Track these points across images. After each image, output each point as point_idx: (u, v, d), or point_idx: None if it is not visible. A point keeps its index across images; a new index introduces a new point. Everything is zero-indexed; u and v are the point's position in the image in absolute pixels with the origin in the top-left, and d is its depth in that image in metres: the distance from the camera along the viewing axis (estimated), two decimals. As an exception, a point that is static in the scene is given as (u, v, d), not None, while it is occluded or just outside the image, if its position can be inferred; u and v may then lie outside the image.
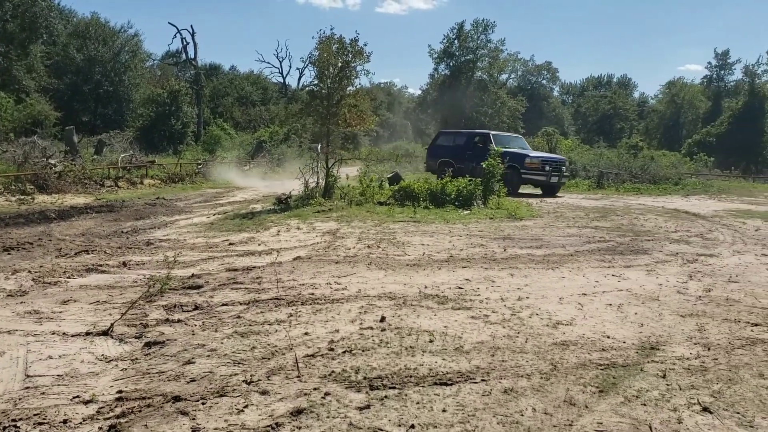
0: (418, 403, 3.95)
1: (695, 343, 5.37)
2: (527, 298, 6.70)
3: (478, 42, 60.08)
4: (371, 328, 5.42)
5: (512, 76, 67.97)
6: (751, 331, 5.83)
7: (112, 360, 4.85)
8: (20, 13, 38.78)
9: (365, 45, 17.13)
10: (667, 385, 4.41)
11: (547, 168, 21.26)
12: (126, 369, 4.63)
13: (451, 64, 60.79)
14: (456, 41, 60.22)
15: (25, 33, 39.68)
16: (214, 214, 15.22)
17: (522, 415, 3.85)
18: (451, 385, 4.26)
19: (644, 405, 4.06)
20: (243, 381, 4.21)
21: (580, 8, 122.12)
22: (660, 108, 66.53)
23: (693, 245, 10.81)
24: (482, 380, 4.36)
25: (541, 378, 4.44)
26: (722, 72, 59.74)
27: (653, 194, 23.94)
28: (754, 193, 27.15)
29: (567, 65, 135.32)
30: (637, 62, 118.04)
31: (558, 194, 21.94)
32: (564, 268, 8.37)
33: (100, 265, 8.84)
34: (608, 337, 5.44)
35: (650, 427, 3.74)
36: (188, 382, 4.24)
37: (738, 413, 4.00)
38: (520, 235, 11.38)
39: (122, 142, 31.77)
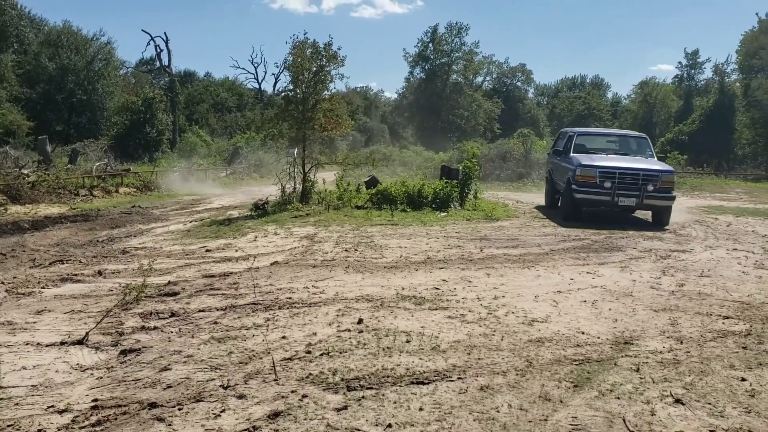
0: (395, 402, 3.98)
1: (668, 337, 5.46)
2: (503, 296, 6.77)
3: (453, 45, 60.47)
4: (349, 330, 5.44)
5: (487, 78, 68.49)
6: (723, 323, 5.95)
7: (88, 369, 4.82)
8: (-10, 23, 38.33)
9: (339, 49, 17.13)
10: (641, 378, 4.49)
11: (608, 184, 13.42)
12: (101, 377, 4.60)
13: (427, 67, 61.05)
14: (430, 44, 60.50)
15: (-6, 43, 39.24)
16: (190, 222, 15.12)
17: (498, 411, 3.90)
18: (428, 384, 4.29)
19: (618, 398, 4.12)
20: (220, 386, 4.21)
21: (552, 10, 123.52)
22: (633, 108, 67.35)
23: (666, 241, 10.98)
24: (459, 378, 4.40)
25: (517, 375, 4.49)
26: (693, 71, 60.61)
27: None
28: (726, 190, 27.65)
29: (541, 67, 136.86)
30: (609, 63, 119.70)
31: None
32: (540, 266, 8.46)
33: (75, 275, 8.75)
34: (583, 333, 5.52)
35: (624, 420, 3.81)
36: (165, 389, 4.22)
37: (709, 404, 4.08)
38: (497, 235, 11.47)
39: (97, 151, 31.44)
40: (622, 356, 4.95)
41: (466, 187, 16.22)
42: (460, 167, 16.73)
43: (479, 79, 66.37)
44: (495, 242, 10.60)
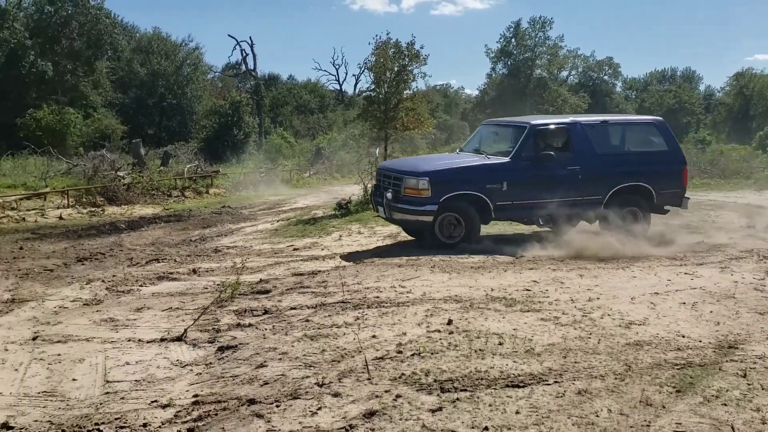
0: (490, 405, 3.91)
1: (778, 342, 5.14)
2: (598, 298, 6.55)
3: (536, 40, 59.27)
4: (438, 331, 5.39)
5: (572, 72, 66.73)
6: (839, 328, 5.54)
7: (187, 365, 4.99)
8: (86, 31, 40.47)
9: (422, 48, 17.13)
10: (749, 384, 4.25)
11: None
12: (201, 373, 4.76)
13: (509, 63, 60.17)
14: (513, 40, 59.56)
15: (91, 50, 41.41)
16: (277, 221, 15.47)
17: (597, 416, 3.77)
18: (523, 387, 4.20)
19: (725, 405, 3.91)
20: (315, 383, 4.26)
21: (640, 1, 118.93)
22: (728, 100, 64.10)
23: (770, 241, 10.35)
24: (555, 382, 4.28)
25: (616, 379, 4.33)
26: (794, 60, 57.17)
27: (724, 189, 23.03)
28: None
29: (629, 60, 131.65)
30: (701, 54, 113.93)
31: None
32: (635, 267, 8.14)
33: (171, 273, 9.11)
34: (683, 337, 5.27)
35: (732, 428, 3.61)
36: (262, 385, 4.32)
37: (828, 415, 3.81)
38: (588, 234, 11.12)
39: (187, 153, 32.64)
40: (727, 361, 4.70)
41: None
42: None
43: (564, 73, 64.82)
44: (585, 241, 10.29)
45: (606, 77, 68.03)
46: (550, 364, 4.62)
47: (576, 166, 10.19)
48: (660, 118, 11.68)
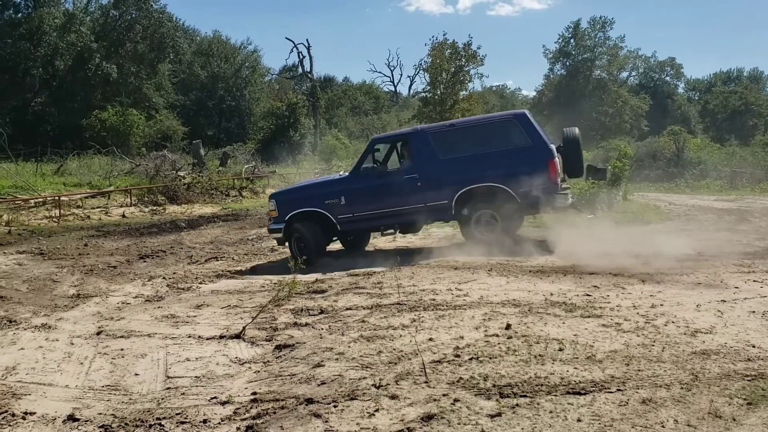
0: (551, 412, 3.81)
1: None
2: (661, 305, 6.33)
3: (596, 40, 58.12)
4: (497, 336, 5.30)
5: (633, 73, 65.15)
6: None
7: (246, 362, 5.05)
8: (149, 35, 41.70)
9: (479, 48, 17.06)
10: (826, 399, 4.02)
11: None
12: (259, 371, 4.80)
13: (568, 63, 59.18)
14: (572, 40, 58.57)
15: (154, 53, 42.68)
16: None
17: (663, 426, 3.63)
18: (584, 394, 4.08)
19: (800, 420, 3.71)
20: (372, 385, 4.25)
21: (704, 0, 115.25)
22: (800, 102, 61.51)
23: None
24: (618, 390, 4.15)
25: (682, 388, 4.16)
26: None
27: (795, 194, 22.15)
28: None
29: (692, 60, 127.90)
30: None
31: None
32: (699, 273, 7.85)
33: (229, 271, 9.28)
34: (753, 347, 5.03)
35: (810, 445, 3.42)
36: (319, 385, 4.33)
37: None
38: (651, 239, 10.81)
39: (245, 154, 33.27)
40: (804, 374, 4.46)
41: (615, 188, 15.48)
42: (609, 167, 15.99)
43: (624, 74, 63.37)
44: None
45: (668, 78, 66.17)
46: (612, 371, 4.48)
47: (414, 174, 10.00)
48: (521, 112, 11.11)
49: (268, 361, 5.01)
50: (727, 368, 4.53)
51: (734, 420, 3.71)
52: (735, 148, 35.77)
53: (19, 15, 39.71)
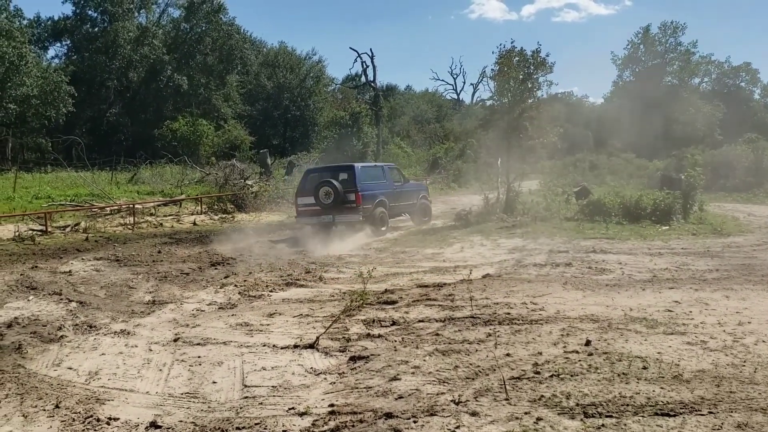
0: (640, 435, 3.63)
1: None
2: (749, 323, 6.00)
3: (667, 45, 56.41)
4: (576, 352, 5.12)
5: (705, 79, 62.86)
6: None
7: (321, 373, 5.02)
8: (218, 47, 42.77)
9: (547, 55, 16.67)
10: None
11: None
12: (335, 383, 4.76)
13: (637, 70, 57.64)
14: (642, 46, 57.04)
15: (222, 65, 43.72)
16: (397, 231, 15.51)
17: (765, 456, 3.39)
18: (674, 416, 3.88)
19: None
20: (451, 401, 4.14)
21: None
22: None
23: None
24: (709, 413, 3.92)
25: (781, 414, 3.90)
26: None
27: None
28: None
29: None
30: None
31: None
32: (791, 290, 7.43)
33: (298, 280, 9.32)
34: None
35: None
36: (396, 399, 4.25)
37: None
38: (731, 253, 10.33)
39: (309, 163, 33.61)
40: None
41: (690, 198, 14.89)
42: (683, 176, 15.41)
43: (696, 80, 61.21)
44: (730, 260, 9.55)
45: (743, 84, 63.53)
46: (701, 392, 4.24)
47: None
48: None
49: (343, 373, 4.96)
50: (828, 392, 4.23)
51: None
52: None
53: (96, 29, 41.39)
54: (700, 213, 15.06)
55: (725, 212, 17.57)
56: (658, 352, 5.11)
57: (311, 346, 5.67)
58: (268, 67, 51.10)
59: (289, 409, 4.30)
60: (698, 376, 4.56)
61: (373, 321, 6.42)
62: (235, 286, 9.01)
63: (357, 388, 4.55)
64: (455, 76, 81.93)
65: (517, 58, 16.86)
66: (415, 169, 39.10)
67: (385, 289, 8.05)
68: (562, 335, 5.63)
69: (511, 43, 17.39)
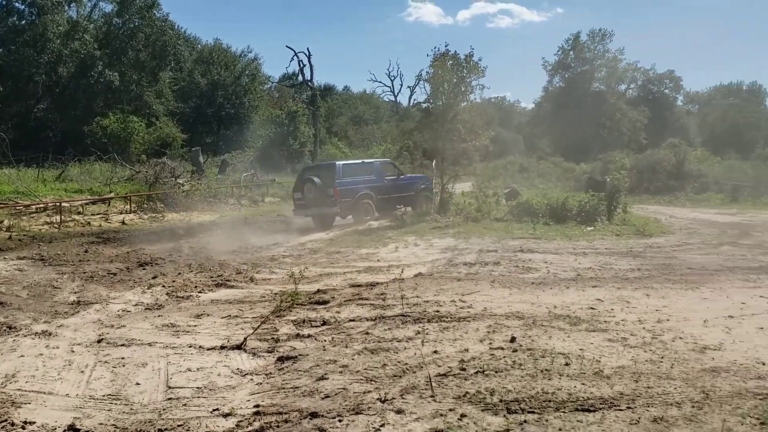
0: (560, 429, 3.74)
1: None
2: (668, 320, 6.26)
3: (595, 52, 58.16)
4: (502, 349, 5.23)
5: (631, 86, 65.11)
6: None
7: (247, 374, 4.97)
8: (151, 43, 41.68)
9: (480, 60, 16.98)
10: (841, 419, 3.94)
11: None
12: (261, 383, 4.72)
13: (567, 75, 59.21)
14: (572, 52, 58.63)
15: (155, 61, 42.62)
16: (332, 231, 15.50)
17: (677, 448, 3.56)
18: (594, 411, 4.01)
19: (815, 442, 3.64)
20: (377, 399, 4.17)
21: (703, 12, 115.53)
22: (796, 115, 61.53)
23: None
24: (628, 407, 4.07)
25: (693, 407, 4.09)
26: None
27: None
28: None
29: (692, 73, 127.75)
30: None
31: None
32: (705, 288, 7.79)
33: (228, 280, 9.19)
34: (763, 364, 4.96)
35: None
36: (323, 398, 4.25)
37: None
38: (652, 253, 10.76)
39: (243, 162, 33.22)
40: (814, 392, 4.38)
41: (615, 200, 15.43)
42: (608, 179, 15.97)
43: (623, 86, 63.35)
44: (651, 260, 9.95)
45: (667, 91, 66.15)
46: (621, 388, 4.40)
47: None
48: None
49: (271, 373, 4.92)
50: (738, 386, 4.47)
51: (748, 440, 3.64)
52: (735, 161, 35.78)
53: (23, 22, 39.54)
54: (623, 214, 15.62)
55: (648, 214, 18.29)
56: (581, 349, 5.28)
57: (239, 347, 5.61)
58: (203, 64, 50.11)
59: (214, 410, 4.24)
60: (618, 372, 4.73)
61: (304, 321, 6.39)
62: (163, 286, 8.82)
63: (283, 388, 4.52)
64: (393, 78, 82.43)
65: (450, 62, 17.11)
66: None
67: (318, 289, 8.03)
68: (488, 332, 5.74)
69: (445, 46, 17.67)
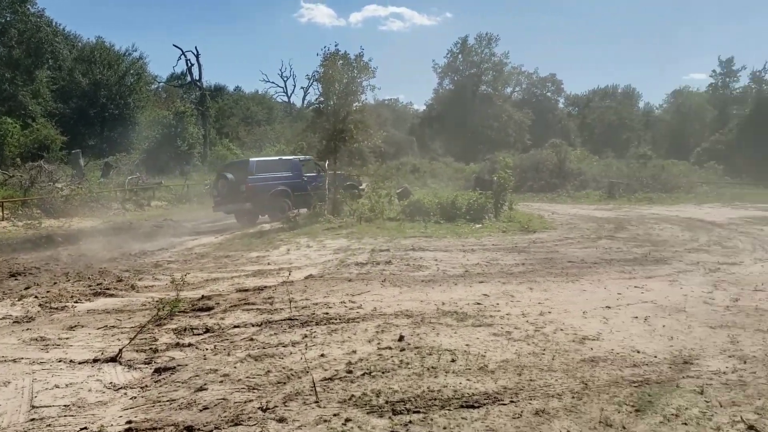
0: (444, 428, 3.72)
1: (730, 356, 5.10)
2: (549, 312, 6.45)
3: (482, 56, 60.02)
4: (390, 348, 5.18)
5: (517, 89, 67.71)
6: (787, 341, 5.56)
7: (121, 388, 4.64)
8: (26, 39, 39.02)
9: (370, 60, 17.03)
10: (707, 402, 4.15)
11: None
12: (135, 397, 4.41)
13: (456, 78, 60.71)
14: (460, 56, 60.17)
15: (30, 59, 39.92)
16: (222, 234, 15.04)
17: (557, 438, 3.61)
18: (478, 407, 4.02)
19: (685, 424, 3.81)
20: (258, 408, 3.99)
21: (583, 19, 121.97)
22: (666, 117, 66.10)
23: (713, 254, 10.54)
24: (511, 401, 4.12)
25: (573, 398, 4.19)
26: (727, 80, 59.21)
27: (666, 203, 23.63)
28: None
29: (572, 77, 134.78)
30: (641, 72, 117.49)
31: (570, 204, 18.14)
32: (584, 280, 8.12)
33: (108, 289, 8.67)
34: (638, 352, 5.19)
35: (695, 449, 3.50)
36: (201, 410, 4.02)
37: (787, 431, 3.74)
38: (536, 248, 11.14)
39: (129, 165, 31.76)
40: (683, 377, 4.61)
41: (501, 198, 15.91)
42: (495, 178, 16.44)
43: (508, 89, 65.77)
44: (534, 255, 10.28)
45: (549, 93, 69.27)
46: (504, 382, 4.45)
47: None
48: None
49: (146, 386, 4.62)
50: (615, 375, 4.62)
51: (624, 428, 3.75)
52: (611, 160, 37.92)
53: None
54: (509, 212, 16.14)
55: (532, 211, 18.99)
56: (467, 345, 5.31)
57: (113, 360, 5.24)
58: (84, 62, 47.45)
59: (81, 429, 3.91)
60: (502, 366, 4.79)
61: (185, 329, 6.07)
62: (36, 297, 8.19)
63: (159, 401, 4.24)
64: (285, 79, 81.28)
65: (341, 61, 17.06)
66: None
67: (202, 295, 7.70)
68: (377, 332, 5.68)
69: (335, 45, 17.62)
